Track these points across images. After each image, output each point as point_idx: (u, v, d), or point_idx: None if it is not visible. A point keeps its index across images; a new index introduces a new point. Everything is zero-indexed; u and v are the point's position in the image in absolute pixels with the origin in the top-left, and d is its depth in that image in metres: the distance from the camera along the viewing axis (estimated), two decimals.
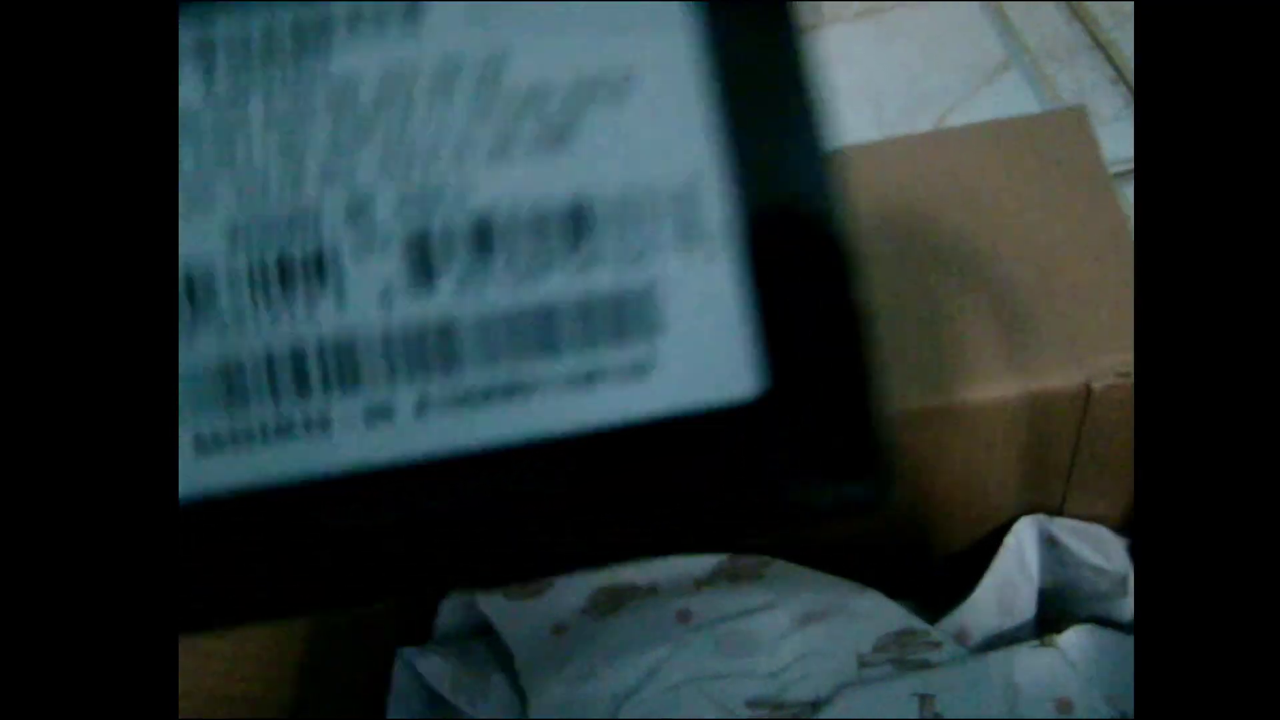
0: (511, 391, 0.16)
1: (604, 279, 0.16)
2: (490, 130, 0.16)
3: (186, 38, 0.16)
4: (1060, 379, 0.35)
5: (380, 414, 0.16)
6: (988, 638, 0.36)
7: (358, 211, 0.16)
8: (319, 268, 0.16)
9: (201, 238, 0.16)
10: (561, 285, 0.16)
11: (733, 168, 0.16)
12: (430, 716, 0.39)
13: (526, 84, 0.16)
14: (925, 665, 0.34)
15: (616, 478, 0.16)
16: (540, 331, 0.16)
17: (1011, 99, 0.57)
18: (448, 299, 0.16)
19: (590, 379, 0.16)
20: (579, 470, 0.16)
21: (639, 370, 0.16)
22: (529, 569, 0.17)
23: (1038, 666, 0.33)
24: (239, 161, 0.16)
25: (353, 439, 0.16)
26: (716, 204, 0.16)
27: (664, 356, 0.16)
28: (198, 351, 0.16)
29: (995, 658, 0.34)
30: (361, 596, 0.17)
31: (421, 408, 0.16)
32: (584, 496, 0.16)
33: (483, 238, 0.16)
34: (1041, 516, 0.37)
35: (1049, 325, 0.36)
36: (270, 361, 0.16)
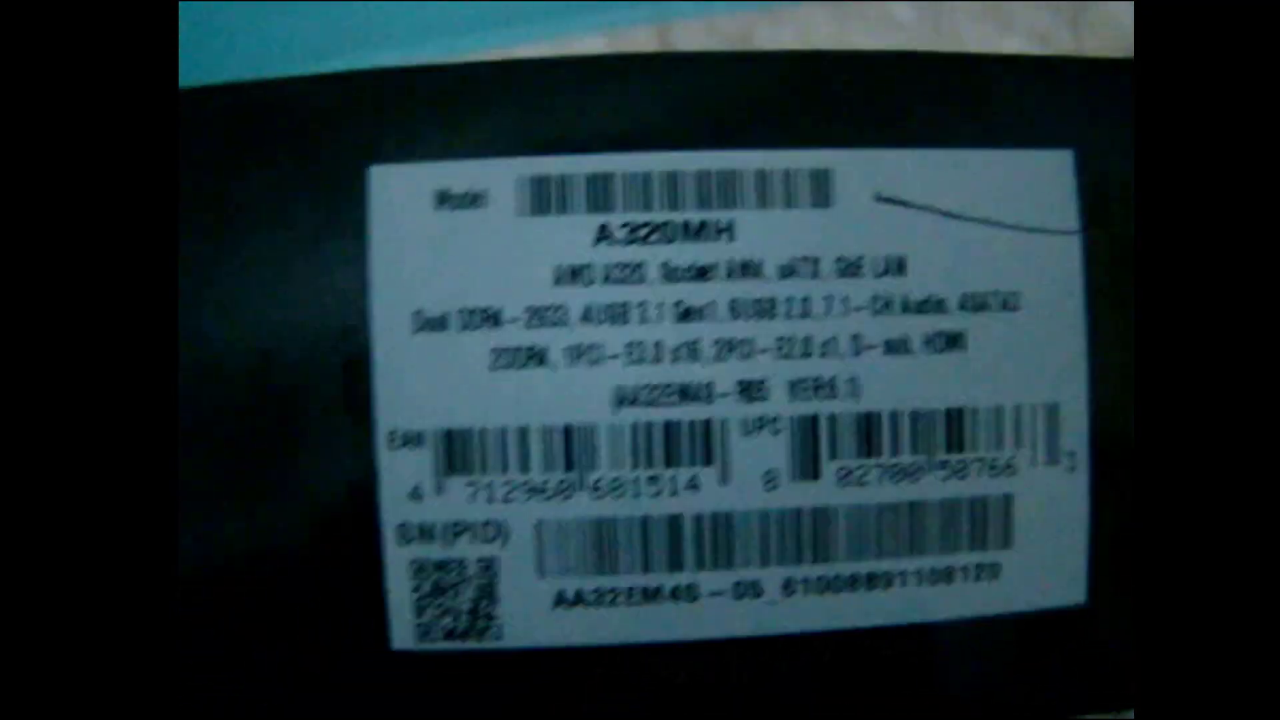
0: (874, 581, 0.16)
1: (971, 486, 0.16)
2: (887, 329, 0.16)
3: (578, 172, 0.16)
4: None
5: (749, 590, 0.16)
6: None
7: (751, 389, 0.16)
8: (706, 441, 0.16)
9: (586, 392, 0.16)
10: (933, 487, 0.16)
11: (1096, 391, 0.17)
12: None
13: (924, 290, 0.16)
14: None
15: (957, 666, 0.17)
16: (908, 528, 0.16)
17: None
18: (829, 489, 0.16)
19: (945, 577, 0.16)
20: (925, 657, 0.17)
21: (990, 572, 0.16)
22: None
23: None
24: (633, 320, 0.16)
25: (718, 611, 0.16)
26: (1080, 424, 0.17)
27: (1013, 562, 0.17)
28: (571, 507, 0.16)
29: None
30: None
31: (789, 588, 0.16)
32: (926, 682, 0.17)
33: (869, 433, 0.16)
34: None
35: None
36: (645, 528, 0.16)
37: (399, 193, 0.16)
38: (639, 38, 0.30)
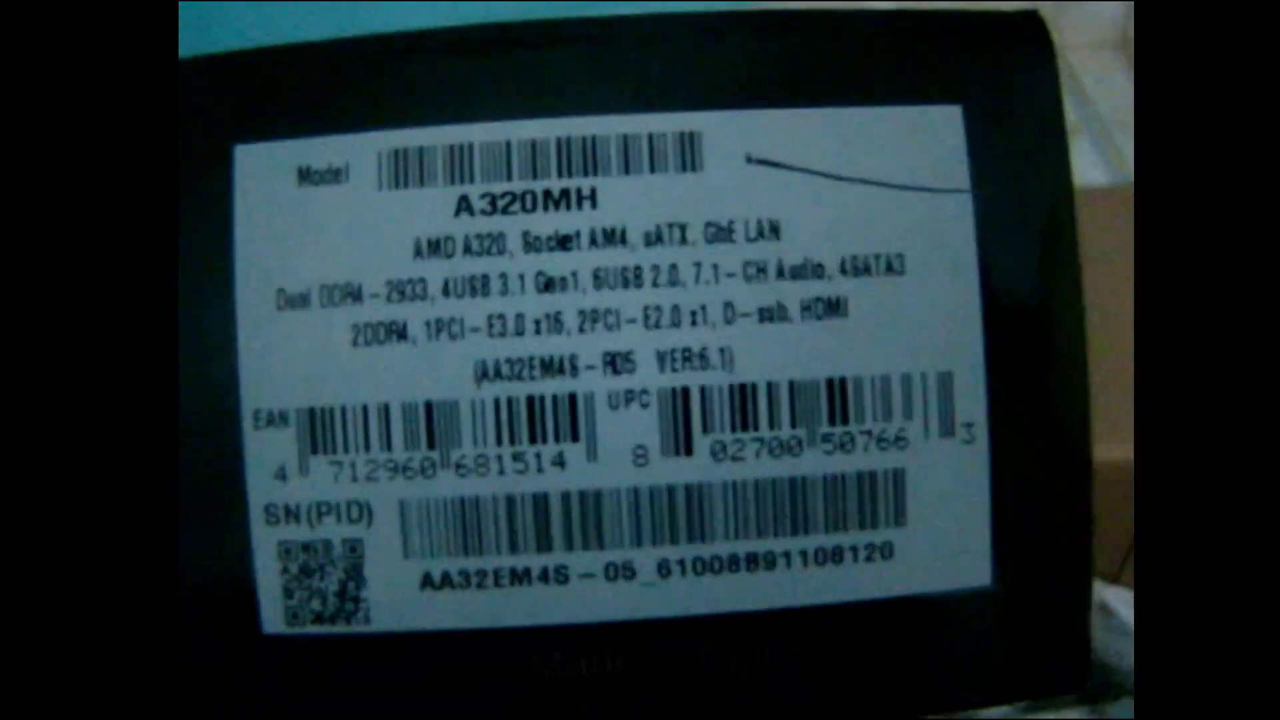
0: (755, 562, 0.15)
1: (859, 460, 0.15)
2: (761, 296, 0.15)
3: (437, 144, 0.15)
4: (1122, 450, 0.35)
5: (621, 572, 0.15)
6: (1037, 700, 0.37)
7: (618, 362, 0.15)
8: (571, 416, 0.15)
9: (447, 368, 0.15)
10: (816, 462, 0.15)
11: (994, 358, 0.15)
12: None
13: (800, 255, 0.15)
14: None
15: (849, 653, 0.16)
16: (790, 507, 0.15)
17: (1078, 164, 0.56)
18: (703, 465, 0.15)
19: (834, 557, 0.15)
20: (814, 643, 0.16)
21: (882, 552, 0.15)
22: None
23: None
24: (494, 293, 0.15)
25: (590, 594, 0.15)
26: (976, 394, 0.15)
27: (908, 541, 0.16)
28: (435, 486, 0.15)
29: (1044, 718, 0.35)
30: None
31: (664, 570, 0.15)
32: (815, 669, 0.16)
33: (745, 406, 0.15)
34: (1097, 582, 0.38)
35: (1110, 393, 0.36)
36: (511, 507, 0.15)
37: (262, 171, 0.16)
38: None
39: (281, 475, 0.15)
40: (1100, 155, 0.57)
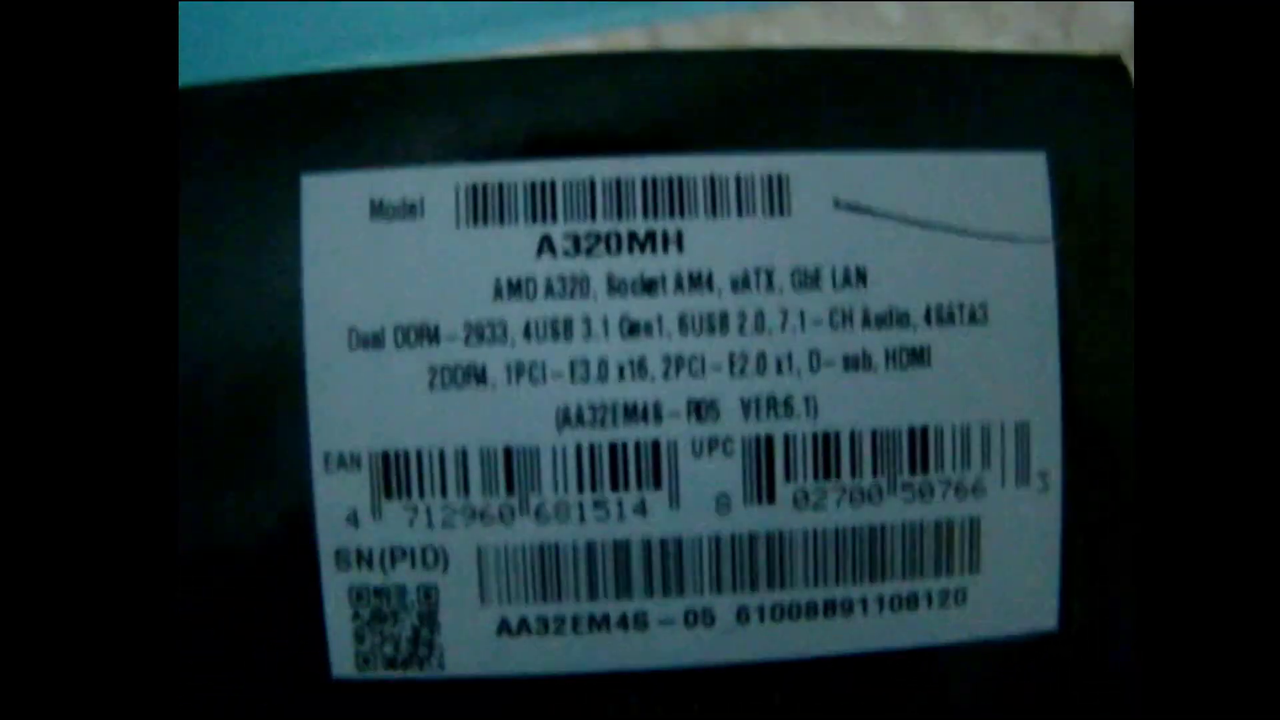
0: (832, 608, 0.15)
1: (937, 509, 0.15)
2: (847, 344, 0.15)
3: (518, 180, 0.15)
4: None
5: (700, 619, 0.15)
6: None
7: (702, 409, 0.15)
8: (654, 463, 0.15)
9: (527, 412, 0.15)
10: (895, 510, 0.15)
11: (1070, 409, 0.16)
12: None
13: (886, 303, 0.15)
14: None
15: (922, 696, 0.16)
16: (869, 554, 0.15)
17: None
18: (784, 513, 0.15)
19: (909, 603, 0.16)
20: (887, 686, 0.16)
21: (956, 598, 0.16)
22: None
23: None
24: (576, 336, 0.15)
25: (668, 640, 0.15)
26: (1052, 444, 0.16)
27: (981, 586, 0.16)
28: (514, 533, 0.15)
29: None
30: None
31: (743, 616, 0.15)
32: (889, 713, 0.16)
33: (828, 454, 0.15)
34: None
35: None
36: (591, 553, 0.15)
37: (333, 203, 0.15)
38: (629, 39, 0.30)
39: (354, 520, 0.15)
40: None
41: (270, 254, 0.15)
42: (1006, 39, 0.26)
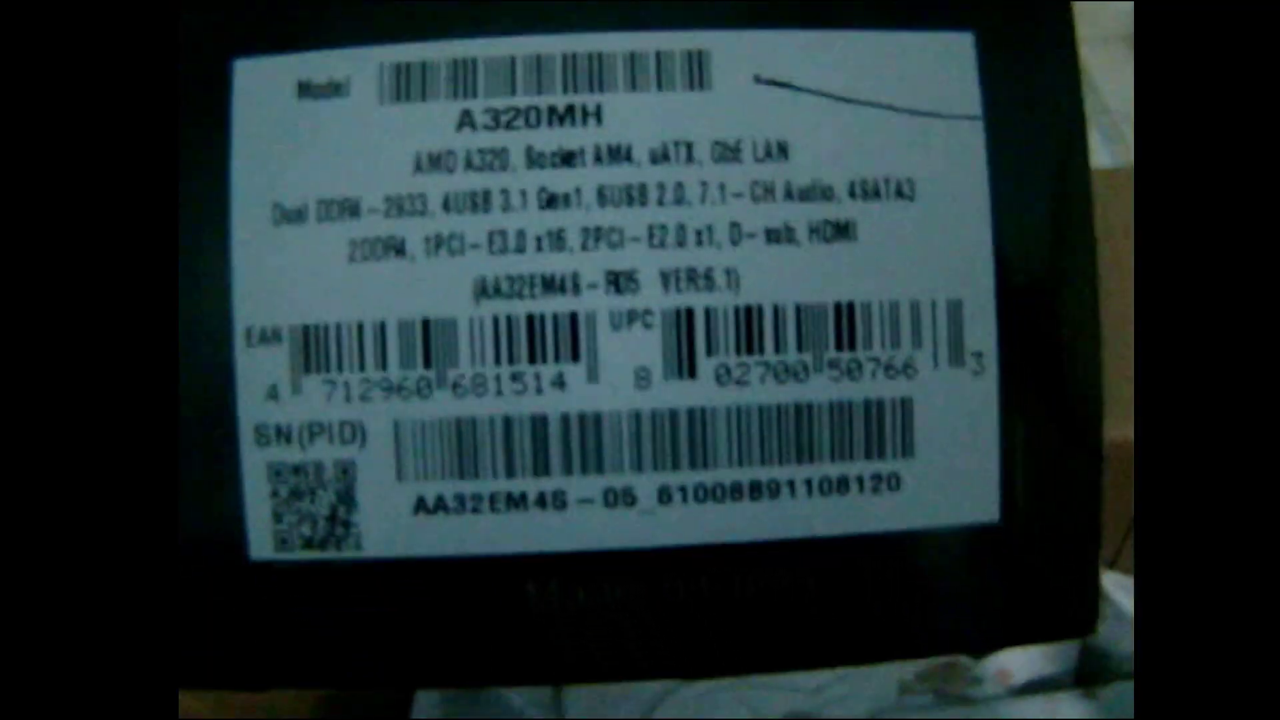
0: (758, 491, 0.15)
1: (866, 388, 0.15)
2: (768, 217, 0.15)
3: (440, 58, 0.15)
4: (1122, 431, 0.35)
5: (621, 499, 0.15)
6: (1029, 681, 0.37)
7: (620, 281, 0.15)
8: (572, 335, 0.15)
9: (445, 285, 0.15)
10: (822, 388, 0.15)
11: (1004, 288, 0.15)
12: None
13: (809, 176, 0.15)
14: (965, 700, 0.35)
15: (851, 586, 0.15)
16: (795, 434, 0.15)
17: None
18: (706, 388, 0.15)
19: (839, 487, 0.15)
20: (816, 575, 0.15)
21: (889, 483, 0.15)
22: (743, 665, 0.16)
23: (1078, 715, 0.34)
24: (495, 209, 0.15)
25: (588, 521, 0.15)
26: (986, 324, 0.15)
27: (915, 472, 0.15)
28: (431, 406, 0.15)
29: (1036, 702, 0.34)
30: (552, 676, 0.16)
31: (664, 496, 0.15)
32: (816, 603, 0.15)
33: (750, 328, 0.15)
34: None
35: (1112, 373, 0.35)
36: (509, 429, 0.15)
37: (262, 85, 0.15)
38: None
39: (274, 395, 0.15)
40: (1109, 147, 0.57)
41: (201, 137, 0.15)
42: None
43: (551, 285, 0.15)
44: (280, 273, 0.15)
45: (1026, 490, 0.15)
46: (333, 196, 0.15)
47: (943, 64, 0.15)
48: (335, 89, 0.15)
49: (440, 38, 0.15)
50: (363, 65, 0.15)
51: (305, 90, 0.15)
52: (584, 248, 0.15)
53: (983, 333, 0.15)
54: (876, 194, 0.15)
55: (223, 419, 0.15)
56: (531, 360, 0.15)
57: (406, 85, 0.15)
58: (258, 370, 0.15)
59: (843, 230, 0.15)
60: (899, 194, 0.15)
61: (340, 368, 0.15)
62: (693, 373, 0.15)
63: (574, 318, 0.15)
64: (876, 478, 0.15)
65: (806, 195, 0.15)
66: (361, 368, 0.15)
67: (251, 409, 0.15)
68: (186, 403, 0.15)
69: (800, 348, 0.15)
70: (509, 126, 0.15)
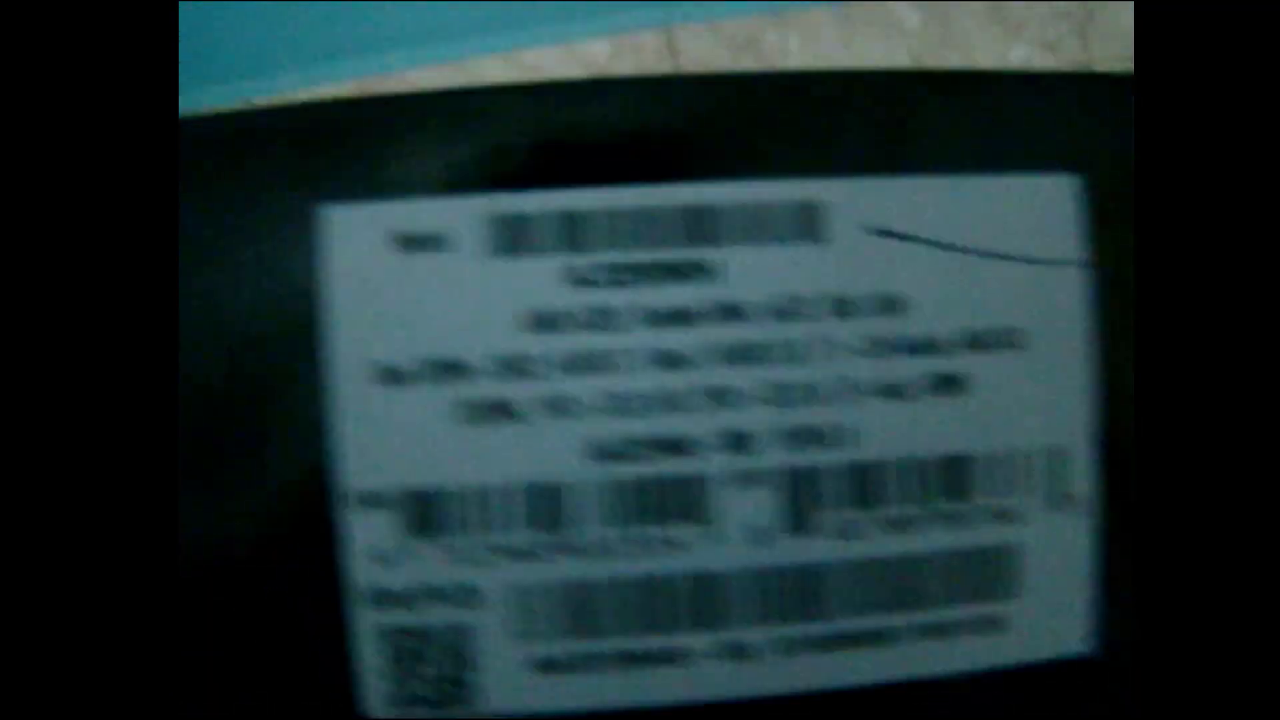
0: (871, 638, 0.15)
1: (974, 535, 0.15)
2: (883, 372, 0.15)
3: (547, 210, 0.15)
4: None
5: (739, 652, 0.15)
6: None
7: (737, 441, 0.15)
8: (690, 497, 0.15)
9: (559, 448, 0.15)
10: (933, 538, 0.15)
11: (1104, 431, 0.15)
12: None
13: (923, 330, 0.15)
14: None
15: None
16: (907, 583, 0.15)
17: None
18: (821, 544, 0.15)
19: (948, 631, 0.15)
20: (927, 714, 0.16)
21: (994, 624, 0.15)
22: None
23: None
24: (608, 369, 0.15)
25: (708, 673, 0.15)
26: (1086, 469, 0.15)
27: (1018, 612, 0.15)
28: (547, 569, 0.15)
29: None
30: None
31: (784, 648, 0.15)
32: None
33: (864, 485, 0.15)
34: None
35: None
36: (627, 589, 0.15)
37: (354, 234, 0.15)
38: (644, 41, 0.29)
39: (383, 558, 0.15)
40: None
41: (290, 288, 0.15)
42: (1024, 47, 0.26)
43: (668, 447, 0.15)
44: (385, 435, 0.15)
45: (1122, 622, 0.16)
46: (437, 356, 0.15)
47: (1047, 208, 0.15)
48: (435, 241, 0.15)
49: (545, 187, 0.15)
50: (465, 216, 0.15)
51: (402, 242, 0.15)
52: (700, 408, 0.15)
53: (1083, 476, 0.15)
54: (987, 345, 0.15)
55: (333, 580, 0.15)
56: (650, 522, 0.15)
57: (512, 239, 0.15)
58: (366, 534, 0.15)
59: (955, 383, 0.15)
60: (1009, 344, 0.15)
61: (453, 531, 0.15)
62: (808, 529, 0.15)
63: (692, 479, 0.15)
64: (983, 620, 0.15)
65: (919, 349, 0.15)
66: (475, 531, 0.15)
67: (361, 571, 0.15)
68: (295, 560, 0.15)
69: (912, 500, 0.15)
70: (620, 283, 0.15)
